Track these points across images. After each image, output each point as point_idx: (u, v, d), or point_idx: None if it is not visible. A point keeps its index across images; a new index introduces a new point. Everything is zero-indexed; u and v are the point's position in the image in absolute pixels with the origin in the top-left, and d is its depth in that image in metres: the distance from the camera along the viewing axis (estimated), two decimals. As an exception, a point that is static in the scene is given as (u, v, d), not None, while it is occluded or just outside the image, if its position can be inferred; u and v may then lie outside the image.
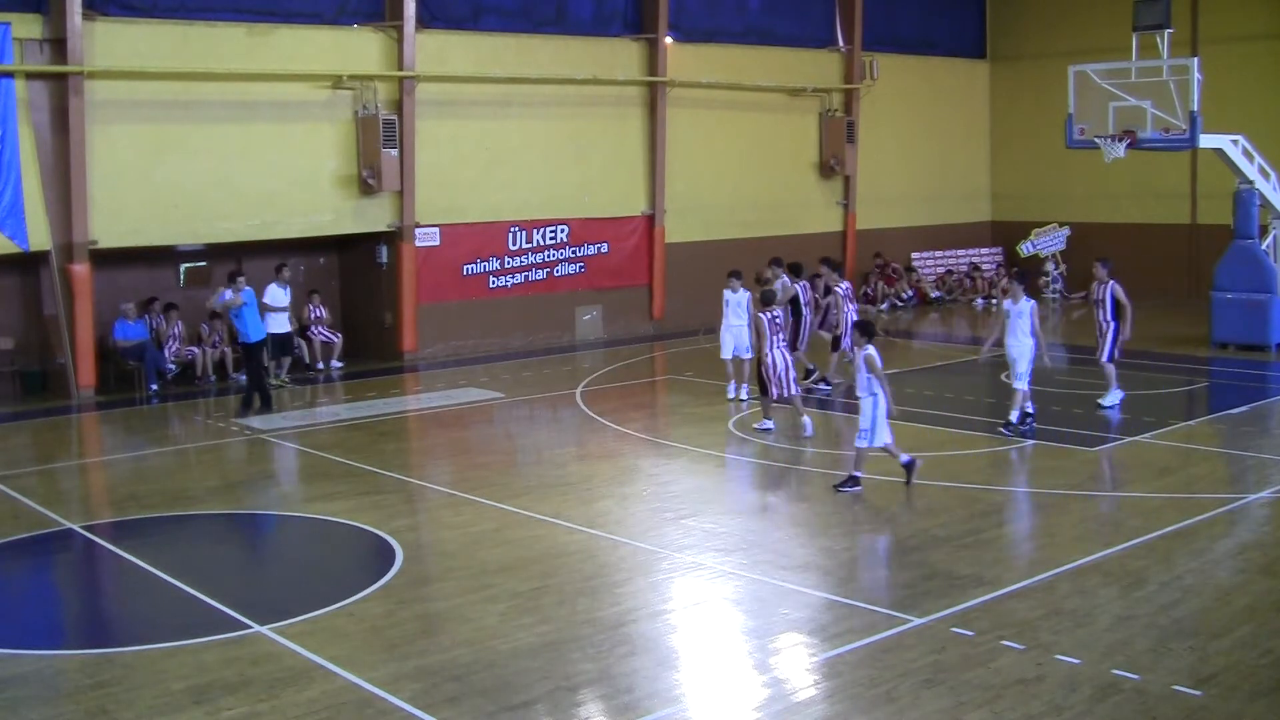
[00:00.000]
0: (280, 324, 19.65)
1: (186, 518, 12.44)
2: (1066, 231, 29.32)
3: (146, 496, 13.26)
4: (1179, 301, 27.01)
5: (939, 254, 30.74)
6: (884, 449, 12.48)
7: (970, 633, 8.54)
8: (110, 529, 12.04)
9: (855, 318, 18.07)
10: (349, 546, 11.46)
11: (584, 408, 17.67)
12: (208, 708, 7.65)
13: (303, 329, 21.46)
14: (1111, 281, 16.78)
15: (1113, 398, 16.50)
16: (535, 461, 14.65)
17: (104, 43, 18.77)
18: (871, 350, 12.36)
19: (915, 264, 30.11)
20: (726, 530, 11.33)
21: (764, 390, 15.38)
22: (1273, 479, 12.70)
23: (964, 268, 30.68)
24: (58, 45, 18.30)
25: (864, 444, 12.36)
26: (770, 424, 15.45)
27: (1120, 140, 20.18)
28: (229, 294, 17.69)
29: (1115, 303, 16.60)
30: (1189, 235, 28.18)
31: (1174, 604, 9.09)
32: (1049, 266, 29.39)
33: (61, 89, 18.40)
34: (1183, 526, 11.02)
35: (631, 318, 24.88)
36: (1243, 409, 16.28)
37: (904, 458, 12.51)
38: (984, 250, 31.34)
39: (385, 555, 10.76)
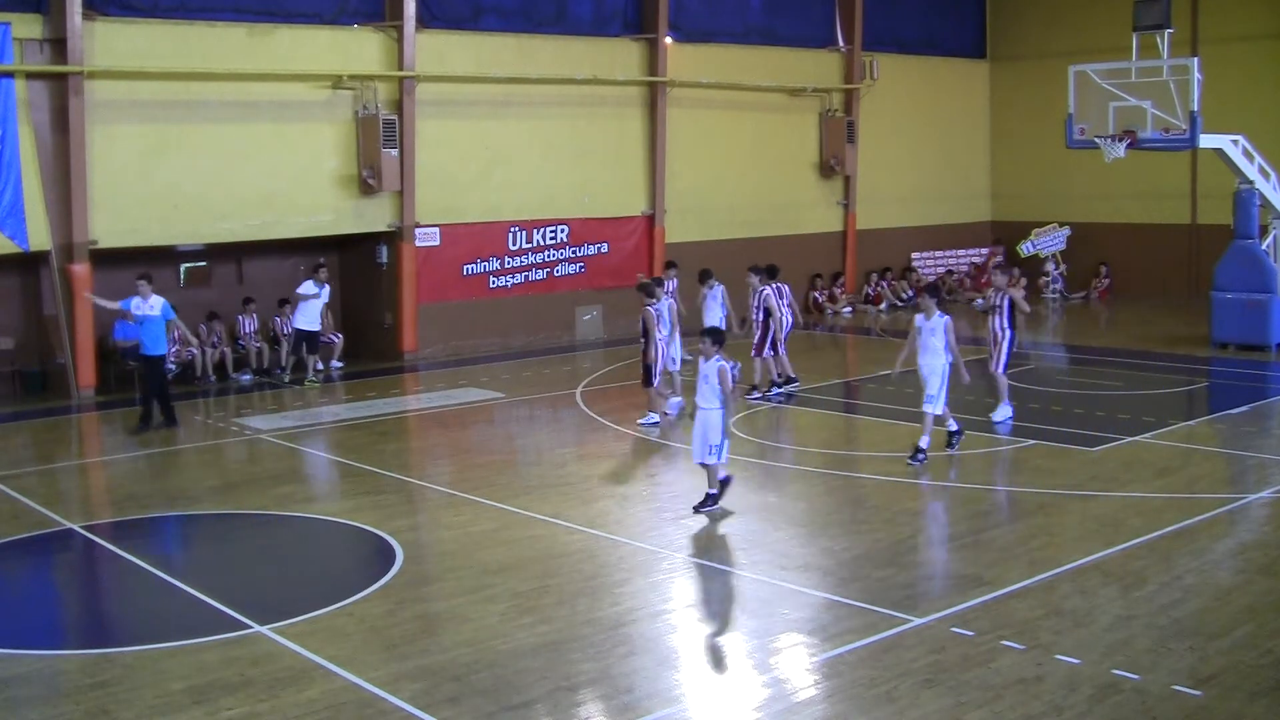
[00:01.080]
0: (311, 320, 20.05)
1: (186, 518, 12.44)
2: (1067, 231, 29.33)
3: (146, 496, 13.27)
4: (1179, 301, 27.03)
5: (939, 254, 30.74)
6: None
7: (970, 633, 8.54)
8: (110, 529, 12.04)
9: (790, 321, 18.07)
10: (349, 546, 11.46)
11: (584, 408, 17.66)
12: (208, 708, 7.65)
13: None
14: (1007, 292, 15.94)
15: (1003, 412, 15.69)
16: (535, 461, 14.65)
17: (104, 43, 18.77)
18: (723, 362, 11.68)
19: (915, 264, 30.13)
20: (726, 530, 11.33)
21: (647, 382, 16.12)
22: (1273, 479, 12.70)
23: (964, 268, 30.68)
24: (58, 45, 18.30)
25: (714, 460, 11.67)
26: (656, 417, 16.03)
27: (1120, 140, 20.19)
28: (137, 300, 16.55)
29: (1013, 311, 15.84)
30: (1189, 235, 28.18)
31: (1174, 604, 9.09)
32: (1049, 266, 29.39)
33: (61, 89, 18.40)
34: (1183, 526, 11.02)
35: (632, 318, 24.83)
36: (1243, 409, 16.27)
37: (722, 474, 11.90)
38: (984, 250, 31.34)
39: (385, 555, 10.76)
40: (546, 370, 20.99)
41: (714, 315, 17.73)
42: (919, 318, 13.86)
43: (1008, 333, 15.74)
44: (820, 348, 24.38)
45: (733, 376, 11.93)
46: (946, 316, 13.77)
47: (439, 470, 14.58)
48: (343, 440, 15.84)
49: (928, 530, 11.03)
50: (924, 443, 13.39)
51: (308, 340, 20.15)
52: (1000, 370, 15.77)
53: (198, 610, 9.50)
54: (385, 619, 9.19)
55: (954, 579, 9.70)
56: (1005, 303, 15.81)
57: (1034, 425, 15.49)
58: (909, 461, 13.34)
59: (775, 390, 17.82)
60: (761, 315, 17.53)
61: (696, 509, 11.80)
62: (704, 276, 18.11)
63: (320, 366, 20.53)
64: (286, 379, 20.28)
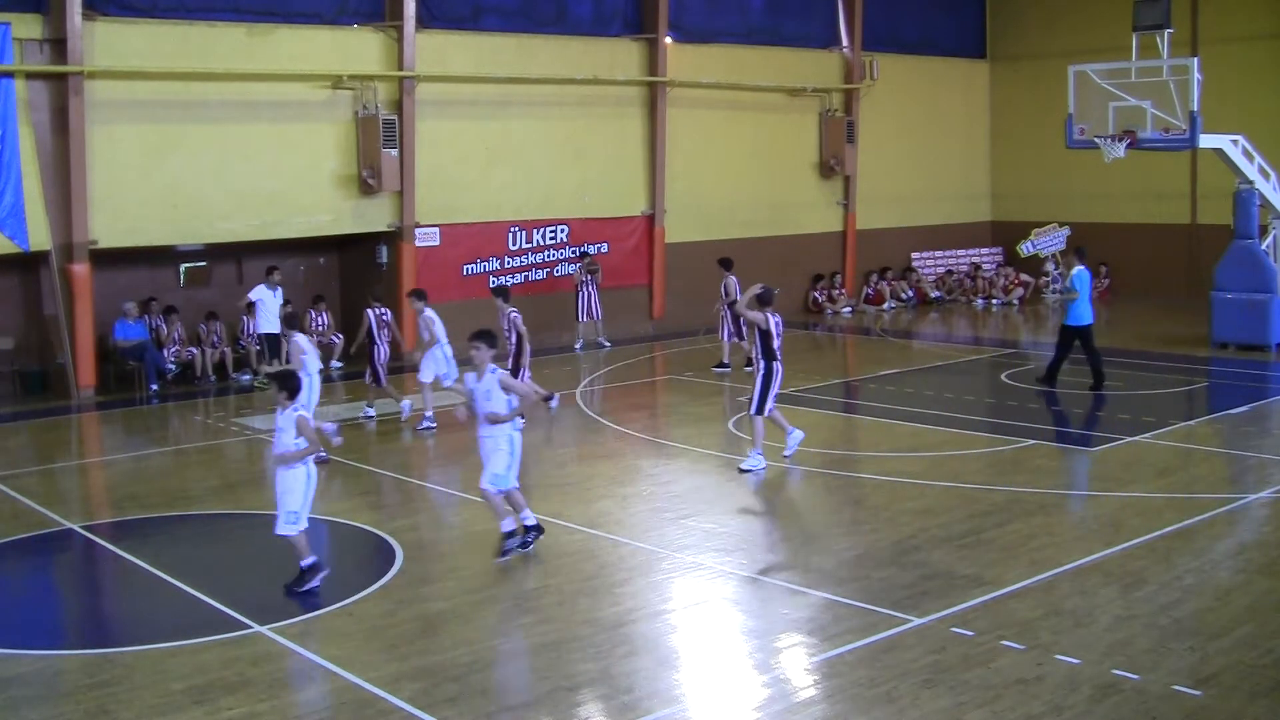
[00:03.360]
0: (271, 324, 19.49)
1: (186, 518, 12.44)
2: (1067, 231, 29.16)
3: (146, 496, 13.27)
4: (1179, 301, 27.02)
5: (939, 254, 30.73)
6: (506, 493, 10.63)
7: (970, 633, 8.54)
8: (110, 529, 12.04)
9: (386, 348, 16.98)
10: (349, 546, 11.46)
11: (584, 408, 17.65)
12: (208, 708, 7.65)
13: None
14: (772, 314, 13.26)
15: (753, 461, 13.31)
16: (535, 461, 14.64)
17: (104, 43, 18.77)
18: (304, 411, 10.02)
19: (915, 264, 30.12)
20: (726, 530, 11.33)
21: (376, 380, 16.50)
22: (1273, 479, 12.70)
23: (964, 268, 30.68)
24: (58, 45, 18.30)
25: (294, 532, 9.99)
26: (371, 410, 16.71)
27: (1120, 140, 20.19)
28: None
29: (765, 338, 13.23)
30: (1189, 235, 28.17)
31: (1174, 604, 9.09)
32: (1049, 266, 29.34)
33: (61, 89, 18.40)
34: (1183, 526, 11.01)
35: (631, 318, 24.87)
36: (1243, 409, 16.27)
37: (525, 517, 10.71)
38: (984, 250, 31.34)
39: (385, 555, 10.76)
40: (546, 370, 20.97)
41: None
42: (469, 376, 10.77)
43: (761, 365, 13.30)
44: (820, 348, 24.38)
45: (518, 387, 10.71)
46: (499, 372, 10.50)
47: (439, 470, 14.58)
48: (343, 440, 15.81)
49: (928, 530, 11.03)
50: (505, 527, 10.68)
51: (270, 343, 19.61)
52: (754, 411, 13.35)
53: (198, 610, 9.50)
54: (385, 619, 9.19)
55: (954, 579, 9.70)
56: (774, 325, 13.31)
57: (1034, 425, 15.49)
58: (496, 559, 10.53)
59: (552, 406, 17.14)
60: (514, 338, 16.27)
61: (503, 554, 10.36)
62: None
63: (271, 369, 20.13)
64: (255, 383, 20.05)
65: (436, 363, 16.36)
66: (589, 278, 23.40)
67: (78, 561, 11.48)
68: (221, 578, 10.42)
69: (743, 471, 13.28)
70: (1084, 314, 17.81)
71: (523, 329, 16.36)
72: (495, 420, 10.42)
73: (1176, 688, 7.58)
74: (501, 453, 10.47)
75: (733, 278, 19.96)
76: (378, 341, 17.03)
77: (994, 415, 16.55)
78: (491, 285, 18.75)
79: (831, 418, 16.89)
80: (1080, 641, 8.36)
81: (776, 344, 13.31)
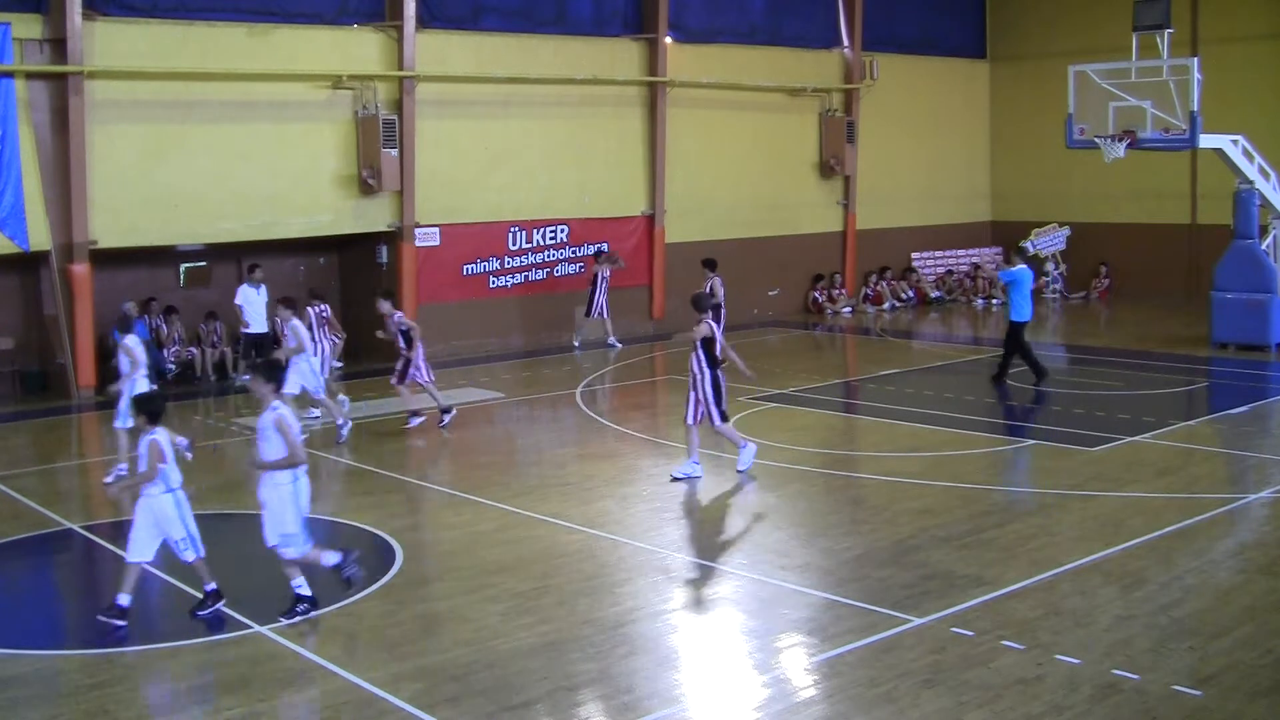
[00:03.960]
0: (259, 324, 19.34)
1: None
2: (1067, 231, 29.33)
3: (146, 496, 13.24)
4: (1179, 301, 27.03)
5: (939, 254, 30.74)
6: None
7: (970, 633, 8.54)
8: (110, 529, 12.03)
9: (329, 345, 16.89)
10: (348, 547, 11.44)
11: (584, 408, 17.66)
12: (208, 708, 7.65)
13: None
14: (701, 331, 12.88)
15: (688, 467, 13.11)
16: (535, 461, 14.65)
17: (104, 43, 18.77)
18: (158, 435, 9.16)
19: (915, 264, 30.12)
20: (726, 530, 11.33)
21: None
22: (1273, 479, 12.70)
23: (964, 268, 30.68)
24: (58, 45, 18.30)
25: (193, 557, 9.35)
26: (315, 414, 16.55)
27: (1120, 140, 20.19)
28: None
29: (706, 353, 12.89)
30: (1189, 235, 28.18)
31: (1174, 604, 9.09)
32: (1049, 266, 29.40)
33: (61, 89, 18.40)
34: (1183, 526, 11.02)
35: (631, 318, 24.86)
36: (1243, 409, 16.27)
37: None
38: (984, 250, 31.35)
39: (385, 555, 10.76)
40: (546, 370, 20.99)
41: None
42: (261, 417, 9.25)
43: (707, 373, 12.89)
44: (820, 348, 24.39)
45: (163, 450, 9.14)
46: (278, 412, 9.12)
47: (439, 470, 14.59)
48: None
49: (928, 530, 11.03)
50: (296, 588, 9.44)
51: (257, 344, 19.29)
52: (691, 421, 13.00)
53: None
54: (385, 619, 9.19)
55: (954, 579, 9.70)
56: (700, 345, 12.89)
57: (1034, 425, 15.49)
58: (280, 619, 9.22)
59: (443, 422, 16.34)
60: (402, 341, 16.02)
61: (282, 619, 9.08)
62: (388, 296, 16.93)
63: (233, 375, 19.84)
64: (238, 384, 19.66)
65: (303, 375, 15.95)
66: (609, 271, 23.24)
67: (78, 561, 11.48)
68: (222, 578, 10.41)
69: (676, 479, 13.03)
70: (1024, 310, 18.24)
71: (413, 331, 16.07)
72: (264, 467, 9.09)
73: (1176, 688, 7.58)
74: (287, 505, 9.09)
75: (717, 278, 19.83)
76: (317, 339, 17.07)
77: (994, 415, 16.56)
78: (380, 291, 17.09)
79: (831, 418, 16.89)
80: (1080, 641, 8.36)
81: (719, 349, 13.04)
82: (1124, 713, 7.29)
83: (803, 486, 13.02)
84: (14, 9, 18.12)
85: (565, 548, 10.89)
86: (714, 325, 13.20)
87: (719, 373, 13.03)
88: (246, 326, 19.44)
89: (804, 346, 23.97)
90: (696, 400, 12.96)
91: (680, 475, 13.14)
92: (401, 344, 16.08)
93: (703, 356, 12.87)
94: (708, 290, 19.32)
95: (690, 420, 13.05)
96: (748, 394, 17.96)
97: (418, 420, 16.34)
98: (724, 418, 13.10)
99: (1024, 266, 18.47)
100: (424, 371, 16.32)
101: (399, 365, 16.26)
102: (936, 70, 30.55)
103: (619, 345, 23.25)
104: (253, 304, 19.34)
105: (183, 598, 9.81)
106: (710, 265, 20.34)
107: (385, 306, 16.41)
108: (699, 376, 12.92)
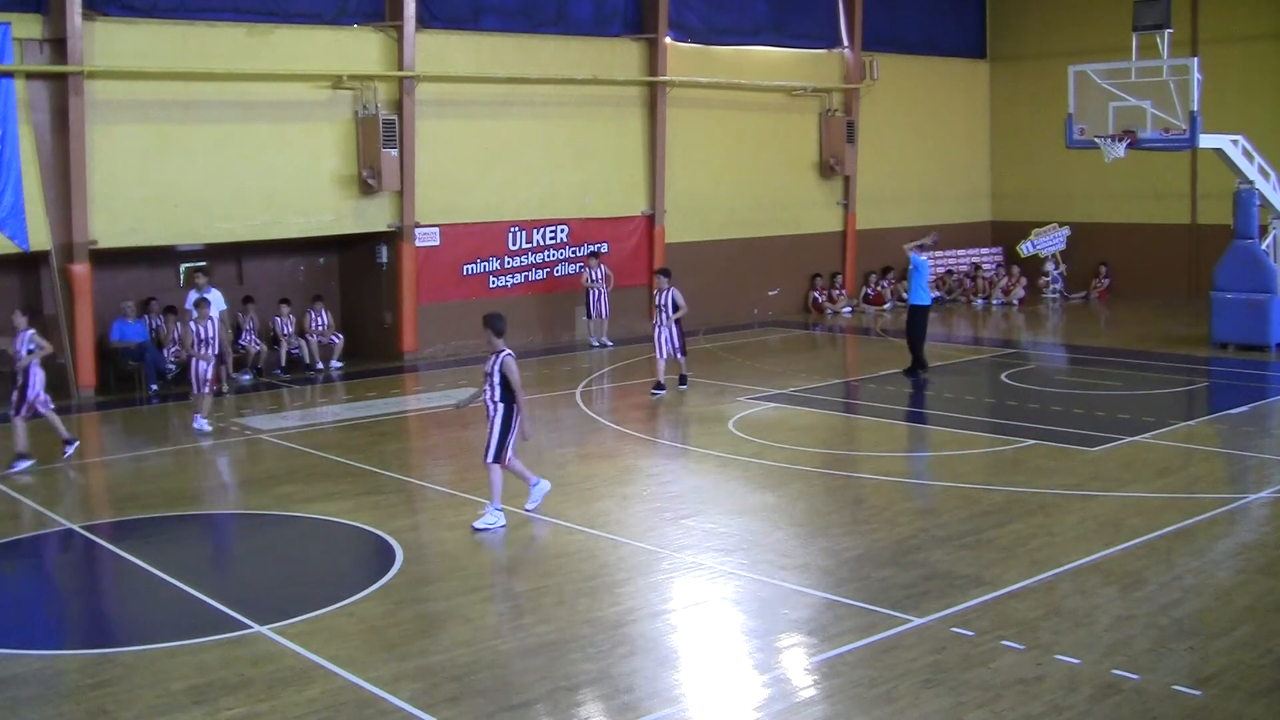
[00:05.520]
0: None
1: (186, 518, 12.44)
2: (1066, 231, 29.34)
3: (146, 496, 13.26)
4: (1179, 301, 27.04)
5: (939, 254, 30.70)
6: None
7: (970, 633, 8.54)
8: (110, 529, 12.04)
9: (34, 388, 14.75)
10: (349, 546, 11.46)
11: (584, 408, 17.65)
12: (208, 708, 7.65)
13: (277, 338, 21.49)
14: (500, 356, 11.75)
15: (490, 518, 11.56)
16: (535, 461, 14.63)
17: (104, 43, 18.77)
18: None
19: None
20: (726, 530, 11.33)
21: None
22: (1273, 479, 12.70)
23: (964, 268, 30.69)
24: (58, 45, 18.30)
25: None
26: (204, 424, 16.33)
27: (1120, 140, 20.19)
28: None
29: (502, 381, 11.51)
30: (1189, 235, 28.18)
31: (1174, 604, 9.09)
32: (1049, 266, 29.41)
33: (61, 89, 18.40)
34: (1183, 526, 11.02)
35: (631, 318, 24.86)
36: (1243, 409, 16.27)
37: None
38: (984, 250, 31.35)
39: (385, 555, 10.76)
40: (546, 370, 20.99)
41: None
42: None
43: (500, 407, 11.64)
44: (820, 348, 24.39)
45: None
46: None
47: (439, 470, 14.58)
48: (343, 440, 15.83)
49: (928, 530, 11.03)
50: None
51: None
52: (489, 459, 11.67)
53: (198, 610, 9.50)
54: (385, 619, 9.19)
55: (954, 579, 9.70)
56: (495, 367, 11.65)
57: (1034, 425, 15.49)
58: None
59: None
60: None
61: None
62: (199, 306, 16.85)
63: (233, 375, 19.69)
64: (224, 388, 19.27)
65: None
66: (600, 274, 23.43)
67: (78, 561, 11.48)
68: (221, 578, 10.43)
69: (477, 531, 11.40)
70: (923, 296, 19.41)
71: (39, 352, 14.79)
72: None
73: (1176, 688, 7.58)
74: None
75: (675, 289, 17.97)
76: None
77: (994, 415, 16.55)
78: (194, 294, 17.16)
79: (831, 418, 16.89)
80: (1080, 641, 8.36)
81: (517, 381, 11.53)
82: (1124, 713, 7.29)
83: (803, 486, 13.02)
84: (14, 9, 18.12)
85: (565, 548, 10.89)
86: (511, 360, 11.61)
87: (516, 407, 11.53)
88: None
89: (804, 346, 23.98)
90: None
91: (482, 526, 11.49)
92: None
93: (497, 385, 11.51)
94: (667, 302, 17.86)
95: (489, 459, 11.64)
96: (747, 394, 17.97)
97: (72, 448, 15.10)
98: (499, 459, 11.56)
99: (924, 256, 19.53)
100: (41, 401, 14.74)
101: (15, 395, 14.54)
102: (936, 70, 30.56)
103: (610, 345, 23.39)
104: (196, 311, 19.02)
105: (183, 597, 9.81)
106: (666, 274, 18.33)
107: (20, 320, 14.76)
108: (494, 409, 11.55)
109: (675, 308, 17.91)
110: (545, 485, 12.21)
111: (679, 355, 18.11)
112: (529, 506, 12.02)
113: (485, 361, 11.93)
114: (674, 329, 17.89)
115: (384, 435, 16.21)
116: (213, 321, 16.84)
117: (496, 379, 11.58)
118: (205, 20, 19.72)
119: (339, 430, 16.64)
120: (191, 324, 16.65)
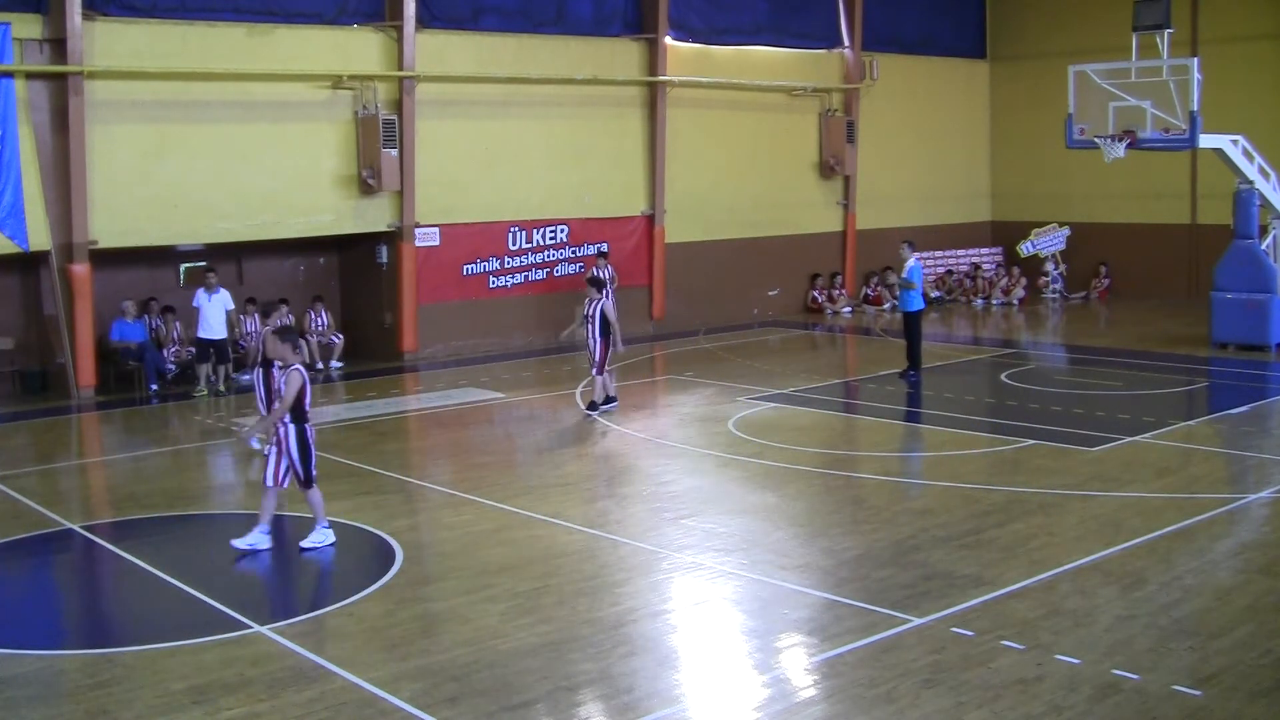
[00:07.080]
0: (210, 330, 19.13)
1: (186, 518, 12.44)
2: (1066, 231, 29.35)
3: (146, 496, 13.26)
4: (1179, 301, 27.03)
5: (939, 254, 30.75)
6: None
7: (970, 633, 8.54)
8: (110, 529, 12.03)
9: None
10: (349, 546, 11.45)
11: (584, 408, 17.65)
12: (208, 708, 7.65)
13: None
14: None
15: (318, 535, 11.05)
16: (535, 461, 14.65)
17: (104, 43, 18.77)
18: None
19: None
20: (726, 530, 11.33)
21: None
22: (1273, 479, 12.70)
23: (964, 268, 30.69)
24: (58, 45, 18.30)
25: None
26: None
27: (1120, 140, 20.18)
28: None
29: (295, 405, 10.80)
30: (1189, 235, 28.18)
31: (1174, 604, 9.09)
32: (1049, 266, 29.41)
33: (61, 89, 18.40)
34: (1183, 526, 11.01)
35: (631, 318, 24.86)
36: (1243, 409, 16.27)
37: None
38: (984, 250, 31.35)
39: (385, 555, 10.76)
40: (546, 370, 20.99)
41: None
42: None
43: (292, 428, 10.82)
44: (820, 348, 24.39)
45: None
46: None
47: (439, 470, 14.58)
48: (343, 440, 15.82)
49: (928, 530, 11.03)
50: None
51: (217, 349, 19.29)
52: (271, 483, 11.00)
53: (198, 610, 9.50)
54: (385, 619, 9.19)
55: (954, 579, 9.70)
56: (281, 383, 10.97)
57: (1034, 425, 15.49)
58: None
59: None
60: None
61: None
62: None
63: (217, 382, 19.44)
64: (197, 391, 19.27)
65: None
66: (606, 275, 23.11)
67: (78, 561, 11.47)
68: (222, 578, 10.42)
69: (305, 550, 10.97)
70: (917, 301, 19.12)
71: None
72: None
73: (1176, 688, 7.58)
74: None
75: (608, 302, 16.83)
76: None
77: (994, 415, 16.55)
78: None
79: (831, 418, 16.89)
80: (1080, 641, 8.36)
81: (308, 400, 10.84)
82: (1124, 713, 7.29)
83: (803, 486, 13.01)
84: (14, 9, 18.11)
85: (565, 548, 10.89)
86: (303, 374, 10.78)
87: (308, 427, 10.88)
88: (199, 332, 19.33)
89: (803, 346, 23.98)
90: (279, 458, 10.90)
91: (310, 545, 11.00)
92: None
93: (596, 320, 10.61)
94: (594, 312, 16.54)
95: (269, 482, 10.96)
96: (747, 394, 17.98)
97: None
98: (309, 483, 10.96)
99: (917, 261, 19.42)
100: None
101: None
102: (936, 70, 30.56)
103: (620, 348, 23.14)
104: (205, 311, 19.11)
105: (183, 598, 9.81)
106: (598, 285, 16.95)
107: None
108: (285, 431, 10.80)
109: (605, 322, 16.44)
110: (330, 535, 11.09)
111: (594, 370, 16.75)
112: (303, 545, 11.00)
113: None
114: (598, 342, 16.47)
115: (384, 435, 16.21)
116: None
117: (283, 393, 10.70)
118: (205, 20, 19.72)
119: (339, 430, 16.62)
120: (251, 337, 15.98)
